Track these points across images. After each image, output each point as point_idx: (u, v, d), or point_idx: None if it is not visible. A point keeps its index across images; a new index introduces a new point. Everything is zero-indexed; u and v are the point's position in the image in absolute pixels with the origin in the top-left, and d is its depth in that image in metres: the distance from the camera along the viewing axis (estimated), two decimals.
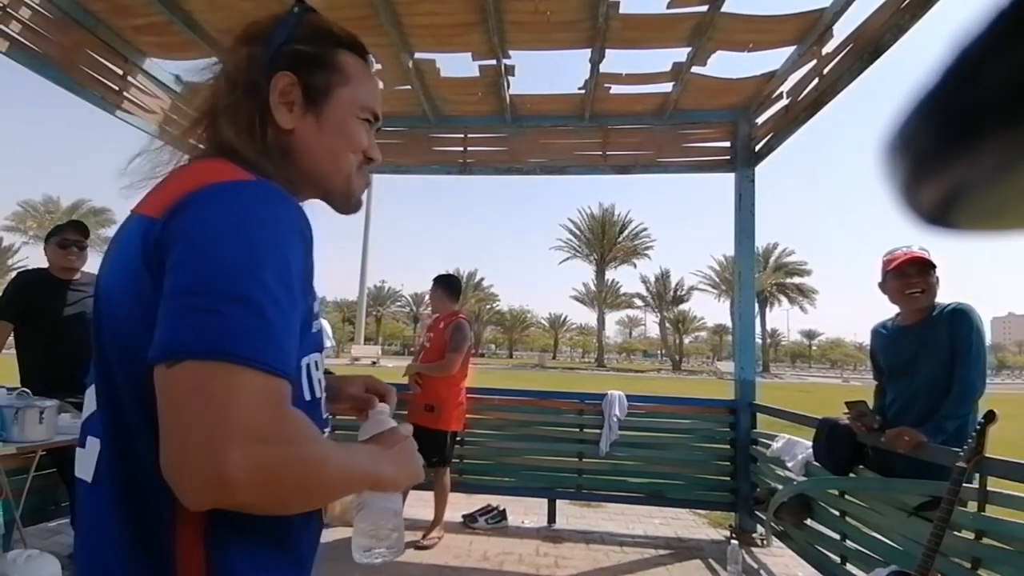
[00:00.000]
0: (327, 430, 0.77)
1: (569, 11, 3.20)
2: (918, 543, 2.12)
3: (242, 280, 0.57)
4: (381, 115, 0.85)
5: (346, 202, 0.83)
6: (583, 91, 3.97)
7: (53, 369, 2.89)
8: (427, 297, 4.08)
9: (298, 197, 0.79)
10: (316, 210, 0.89)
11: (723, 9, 3.08)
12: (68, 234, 2.98)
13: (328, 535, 3.68)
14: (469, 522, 3.79)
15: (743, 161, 4.14)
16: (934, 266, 2.37)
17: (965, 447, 1.96)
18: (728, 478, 3.93)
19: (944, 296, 2.41)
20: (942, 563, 1.98)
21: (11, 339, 2.92)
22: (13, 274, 3.30)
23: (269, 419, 0.54)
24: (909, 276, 2.38)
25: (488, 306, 70.18)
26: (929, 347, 2.35)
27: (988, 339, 2.35)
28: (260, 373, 0.54)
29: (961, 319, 2.29)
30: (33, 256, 45.56)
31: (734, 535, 3.51)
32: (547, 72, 4.80)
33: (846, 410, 2.65)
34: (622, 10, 3.15)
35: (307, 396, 0.70)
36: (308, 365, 0.70)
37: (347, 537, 1.01)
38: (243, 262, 0.58)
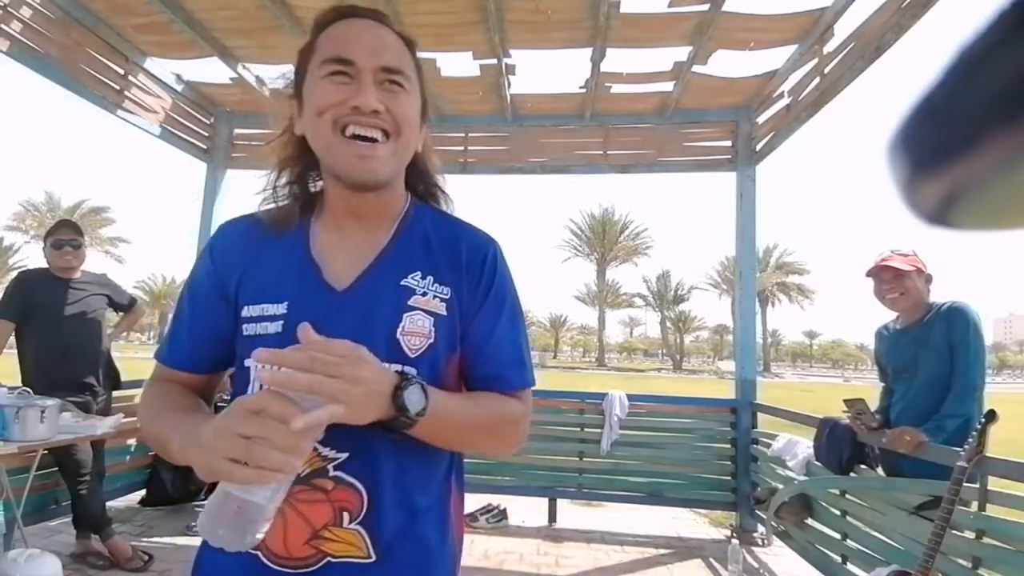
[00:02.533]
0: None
1: (570, 10, 3.19)
2: (919, 542, 2.12)
3: None
4: (357, 57, 0.72)
5: (345, 179, 0.75)
6: (584, 90, 3.97)
7: (55, 368, 2.90)
8: None
9: (331, 200, 0.82)
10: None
11: (724, 8, 3.07)
12: (61, 234, 2.98)
13: None
14: (470, 521, 3.79)
15: (744, 160, 4.14)
16: (909, 271, 2.39)
17: (966, 446, 1.96)
18: (729, 477, 3.93)
19: (945, 295, 2.41)
20: (943, 562, 1.98)
21: (12, 338, 2.92)
22: (14, 274, 3.31)
23: (145, 388, 0.83)
24: (883, 281, 2.46)
25: None
26: (927, 347, 2.36)
27: (991, 339, 2.35)
28: (156, 362, 0.83)
29: (957, 317, 2.29)
30: (33, 255, 45.66)
31: (735, 534, 3.51)
32: (548, 71, 4.80)
33: (845, 408, 2.65)
34: (623, 9, 3.15)
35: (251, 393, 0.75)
36: (250, 368, 0.76)
37: None
38: None
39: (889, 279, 2.44)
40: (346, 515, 0.71)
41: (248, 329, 0.75)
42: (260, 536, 0.61)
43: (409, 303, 0.76)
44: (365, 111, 0.71)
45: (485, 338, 0.81)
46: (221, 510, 0.59)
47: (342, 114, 0.71)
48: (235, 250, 0.80)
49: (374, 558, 0.72)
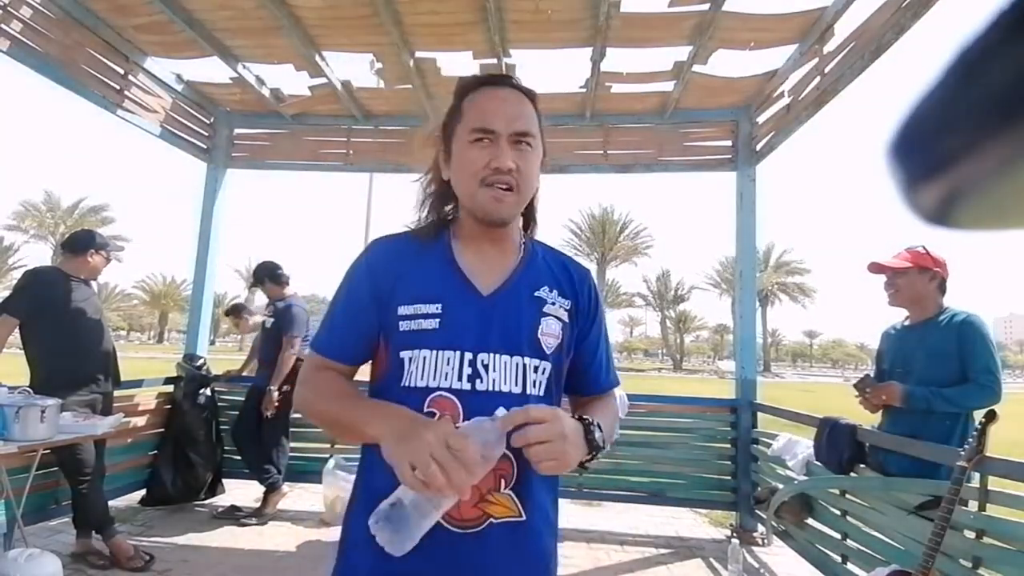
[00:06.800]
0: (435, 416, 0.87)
1: (570, 9, 3.19)
2: (919, 542, 2.12)
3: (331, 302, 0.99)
4: (497, 126, 0.90)
5: (483, 218, 0.93)
6: (584, 90, 3.97)
7: (72, 365, 2.94)
8: None
9: (467, 228, 0.97)
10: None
11: (724, 7, 3.07)
12: (108, 243, 3.21)
13: (333, 533, 3.67)
14: None
15: (744, 160, 4.14)
16: (903, 268, 2.39)
17: (966, 446, 1.96)
18: (729, 477, 3.93)
19: (955, 300, 2.38)
20: (943, 562, 1.98)
21: (12, 338, 2.91)
22: (13, 273, 3.37)
23: (307, 373, 0.96)
24: (885, 278, 2.48)
25: None
26: (929, 348, 2.33)
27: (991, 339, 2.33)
28: (313, 351, 0.97)
29: (971, 332, 2.25)
30: (32, 255, 45.60)
31: (735, 534, 3.51)
32: (548, 71, 4.79)
33: (856, 393, 2.57)
34: (623, 8, 3.15)
35: (402, 383, 0.89)
36: (405, 359, 0.89)
37: None
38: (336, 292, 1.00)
39: (888, 276, 2.46)
40: (503, 481, 0.88)
41: (404, 325, 0.90)
42: (414, 543, 0.75)
43: (544, 310, 0.95)
44: (503, 170, 0.89)
45: (594, 350, 1.03)
46: (382, 509, 0.75)
47: (485, 174, 0.89)
48: (389, 260, 0.96)
49: (524, 517, 0.88)
